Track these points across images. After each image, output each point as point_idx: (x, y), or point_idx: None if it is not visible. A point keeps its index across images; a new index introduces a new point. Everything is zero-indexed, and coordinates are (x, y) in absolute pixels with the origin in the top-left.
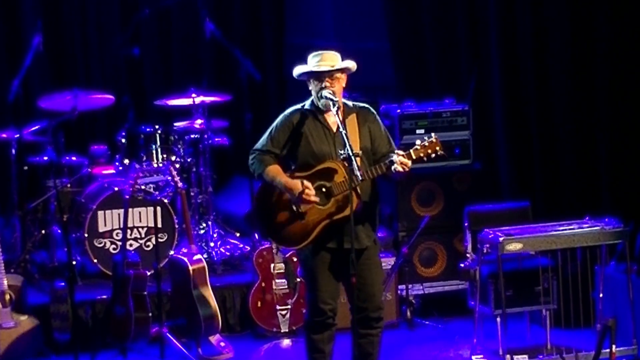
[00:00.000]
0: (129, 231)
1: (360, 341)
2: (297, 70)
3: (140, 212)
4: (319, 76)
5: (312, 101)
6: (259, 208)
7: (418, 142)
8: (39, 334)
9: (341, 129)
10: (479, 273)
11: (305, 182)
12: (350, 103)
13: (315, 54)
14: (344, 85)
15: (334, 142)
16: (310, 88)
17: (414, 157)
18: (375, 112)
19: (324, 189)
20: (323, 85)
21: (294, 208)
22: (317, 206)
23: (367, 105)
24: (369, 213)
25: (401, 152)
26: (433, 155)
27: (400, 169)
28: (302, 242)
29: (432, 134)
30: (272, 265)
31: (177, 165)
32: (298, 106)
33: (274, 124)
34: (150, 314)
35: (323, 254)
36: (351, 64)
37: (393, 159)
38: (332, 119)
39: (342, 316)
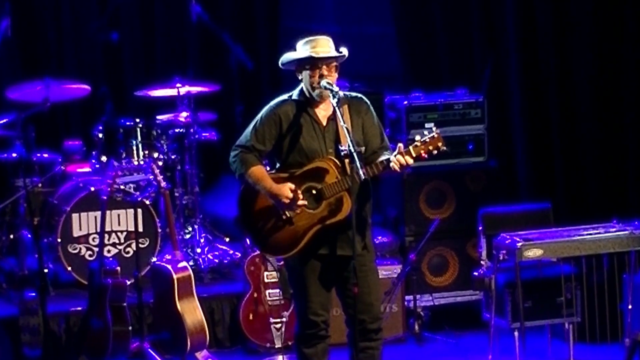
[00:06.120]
0: (106, 236)
1: (360, 355)
2: (290, 56)
3: (119, 215)
4: (315, 64)
5: (301, 91)
6: (243, 213)
7: (418, 137)
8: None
9: (342, 123)
10: (495, 282)
11: (292, 186)
12: (341, 93)
13: (307, 40)
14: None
15: (324, 138)
16: (300, 77)
17: (413, 154)
18: (368, 103)
19: (314, 191)
20: (321, 74)
21: (281, 213)
22: (308, 210)
23: (360, 95)
24: (360, 216)
25: (401, 148)
26: (435, 152)
27: (398, 169)
28: (291, 250)
29: (434, 128)
30: (265, 273)
31: (160, 163)
32: (285, 96)
33: (259, 117)
34: (130, 328)
35: (313, 262)
36: (346, 51)
37: (391, 158)
38: (323, 112)
39: (337, 330)
